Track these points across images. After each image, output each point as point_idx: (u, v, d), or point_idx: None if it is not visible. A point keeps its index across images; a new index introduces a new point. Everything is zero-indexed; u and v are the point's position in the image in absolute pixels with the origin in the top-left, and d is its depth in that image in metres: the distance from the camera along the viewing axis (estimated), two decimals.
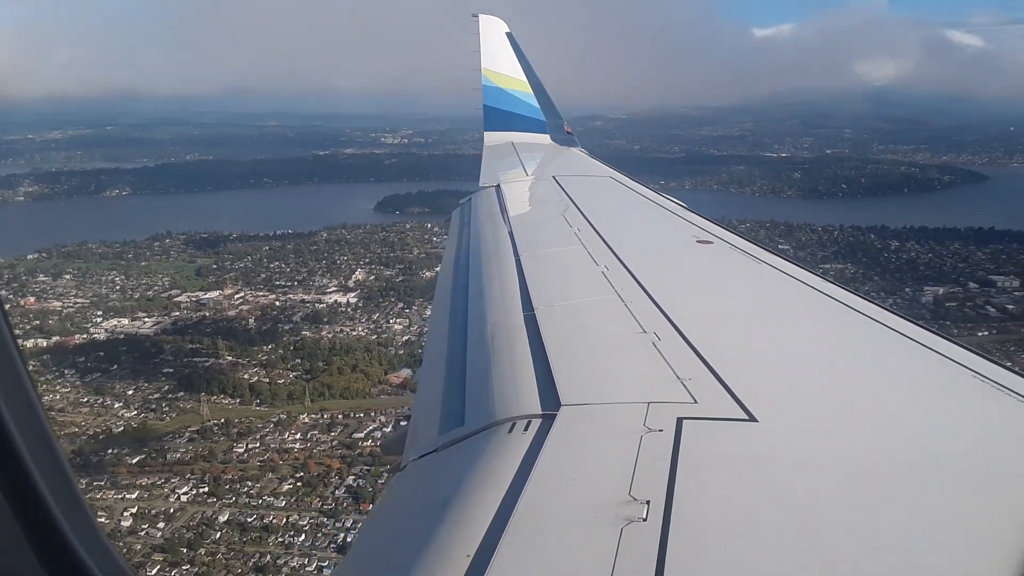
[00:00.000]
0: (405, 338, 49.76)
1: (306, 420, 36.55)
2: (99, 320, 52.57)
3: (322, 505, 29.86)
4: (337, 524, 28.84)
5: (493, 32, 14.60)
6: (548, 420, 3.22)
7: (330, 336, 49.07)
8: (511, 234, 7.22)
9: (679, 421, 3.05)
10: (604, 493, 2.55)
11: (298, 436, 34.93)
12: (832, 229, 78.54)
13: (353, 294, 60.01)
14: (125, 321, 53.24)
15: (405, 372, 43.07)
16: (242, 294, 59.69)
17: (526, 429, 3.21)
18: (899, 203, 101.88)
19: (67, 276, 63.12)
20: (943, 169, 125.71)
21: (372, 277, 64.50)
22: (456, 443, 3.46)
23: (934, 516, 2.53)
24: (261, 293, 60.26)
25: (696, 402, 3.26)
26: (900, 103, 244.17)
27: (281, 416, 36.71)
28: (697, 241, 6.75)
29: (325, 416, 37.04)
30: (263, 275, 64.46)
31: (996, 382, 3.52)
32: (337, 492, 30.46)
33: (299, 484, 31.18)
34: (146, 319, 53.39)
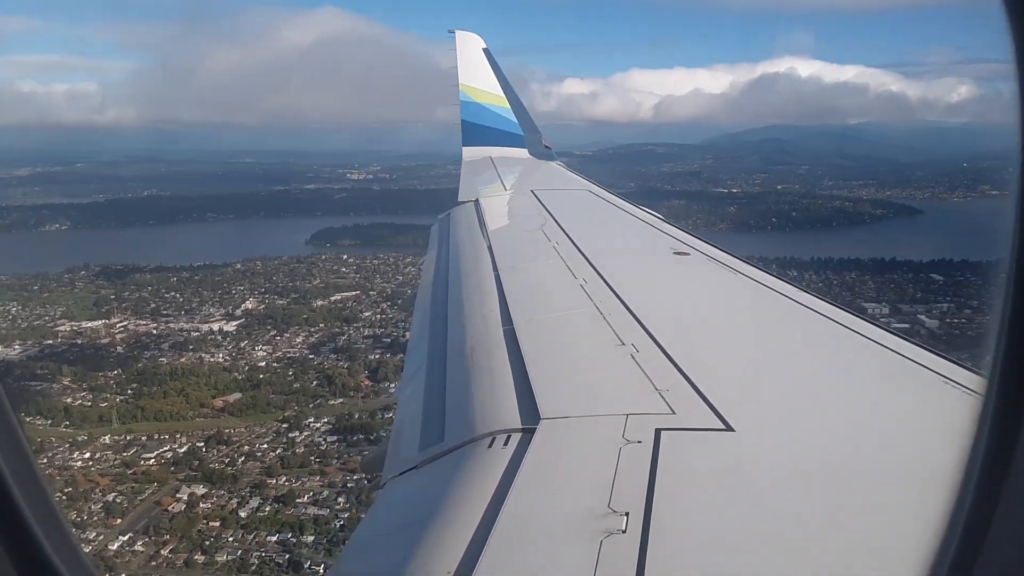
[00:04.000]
0: (262, 363, 51.30)
1: (106, 441, 37.81)
2: None
3: (75, 517, 31.02)
4: (81, 535, 29.97)
5: (470, 48, 14.71)
6: (528, 434, 3.23)
7: (182, 362, 50.51)
8: (490, 248, 7.22)
9: (657, 432, 3.06)
10: (584, 506, 2.57)
11: (87, 455, 36.19)
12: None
13: (237, 322, 61.62)
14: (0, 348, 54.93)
15: (235, 396, 44.46)
16: (125, 323, 61.31)
17: (506, 443, 3.22)
18: (821, 236, 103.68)
19: None
20: (877, 203, 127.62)
21: (262, 306, 66.16)
22: (436, 459, 3.47)
23: (911, 522, 2.51)
24: (143, 322, 61.88)
25: (674, 413, 3.28)
26: (868, 140, 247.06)
27: (82, 437, 37.98)
28: (674, 253, 6.80)
29: (128, 437, 38.28)
30: (153, 305, 66.21)
31: (971, 389, 3.52)
32: (93, 507, 31.65)
33: (62, 497, 32.35)
34: (17, 346, 55.00)
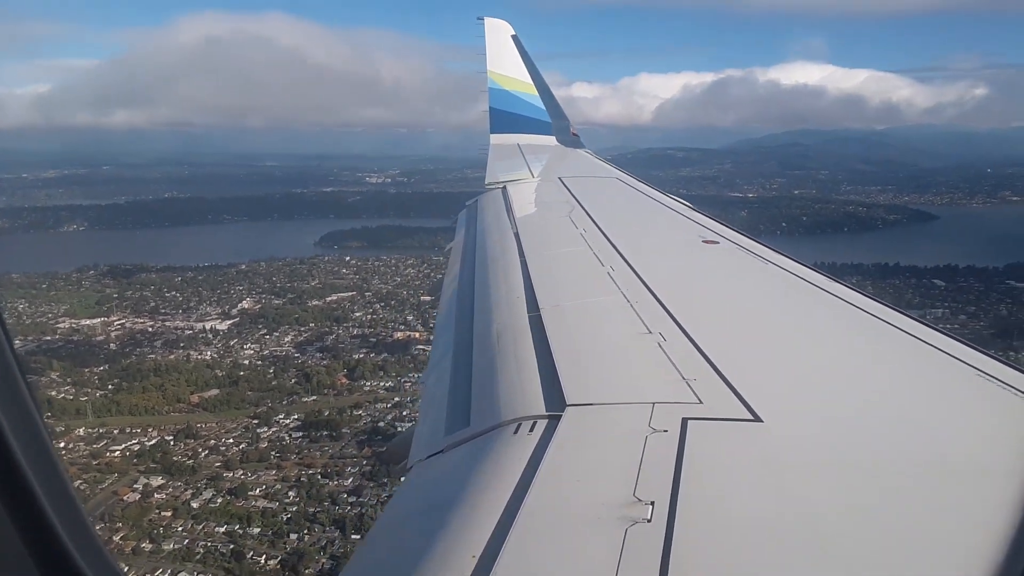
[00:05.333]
0: (246, 361, 52.48)
1: (80, 433, 39.11)
2: None
3: None
4: None
5: (499, 35, 14.67)
6: (554, 421, 3.22)
7: (170, 359, 51.86)
8: (517, 235, 7.16)
9: (684, 422, 3.04)
10: (609, 494, 2.56)
11: (60, 446, 37.41)
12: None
13: (231, 321, 63.02)
14: None
15: (212, 392, 45.63)
16: (123, 321, 63.02)
17: (531, 430, 3.21)
18: (831, 241, 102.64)
19: None
20: (892, 209, 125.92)
21: (258, 306, 67.53)
22: (462, 444, 3.48)
23: (941, 516, 2.52)
24: (141, 320, 63.55)
25: (701, 402, 3.24)
26: (893, 145, 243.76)
27: (60, 428, 39.28)
28: (703, 241, 6.68)
29: (101, 430, 39.55)
30: (153, 303, 67.93)
31: (1002, 381, 3.51)
32: None
33: None
34: (17, 341, 56.48)
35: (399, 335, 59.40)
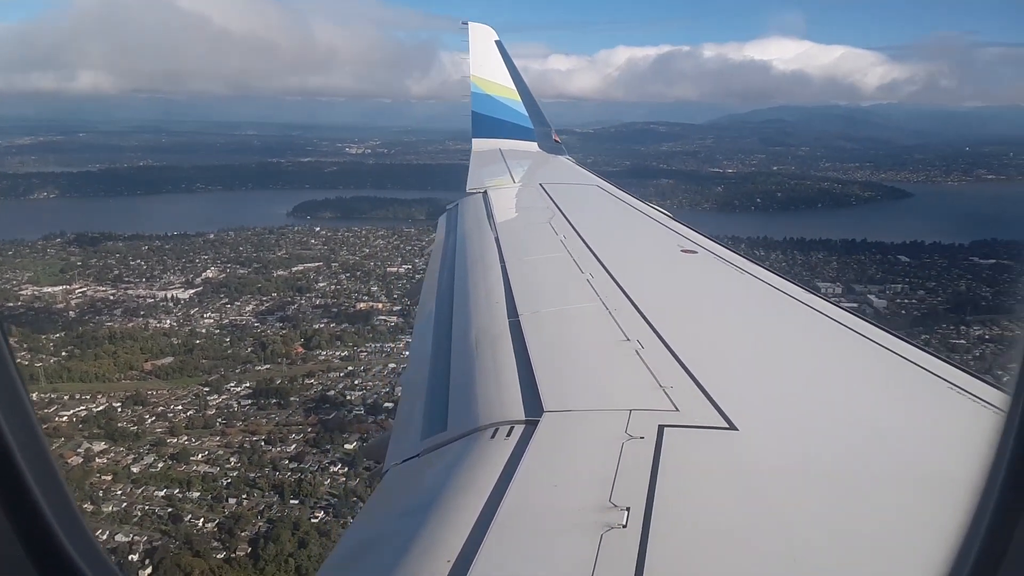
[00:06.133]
0: (202, 330, 52.59)
1: (32, 399, 39.04)
2: None
3: None
4: None
5: (482, 40, 14.73)
6: (531, 426, 3.25)
7: (130, 327, 51.88)
8: (497, 240, 7.21)
9: (660, 429, 3.07)
10: (585, 499, 2.58)
11: None
12: (717, 238, 79.87)
13: (194, 290, 62.99)
14: None
15: (166, 360, 45.79)
16: (84, 289, 62.83)
17: (509, 435, 3.23)
18: (804, 217, 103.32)
19: None
20: (867, 186, 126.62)
21: (223, 275, 67.45)
22: (438, 448, 3.49)
23: (908, 523, 2.57)
24: (103, 288, 63.38)
25: (678, 410, 3.28)
26: (875, 123, 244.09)
27: None
28: (681, 251, 6.77)
29: (52, 396, 39.69)
30: (116, 272, 67.68)
31: (969, 392, 3.59)
32: None
33: None
34: None
35: (361, 305, 59.64)
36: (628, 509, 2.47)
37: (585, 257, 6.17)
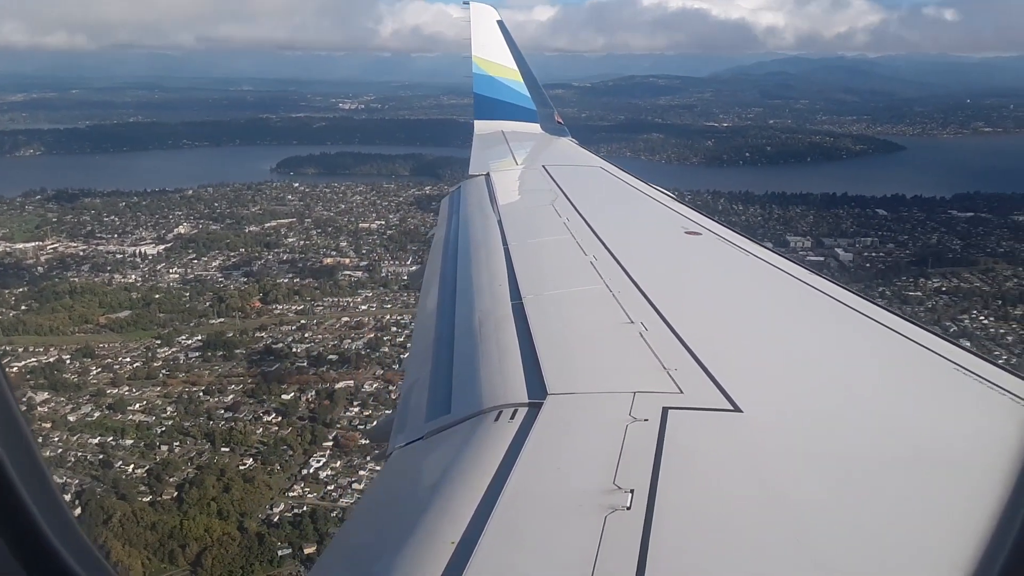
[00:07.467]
0: (164, 285, 53.31)
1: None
2: None
3: None
4: None
5: (484, 20, 14.54)
6: (535, 409, 3.26)
7: (96, 281, 52.69)
8: (500, 223, 7.21)
9: (664, 411, 3.08)
10: (589, 482, 2.59)
11: None
12: (698, 192, 79.66)
13: (164, 246, 63.61)
14: None
15: (123, 313, 46.56)
16: (56, 245, 63.55)
17: (512, 417, 3.24)
18: (791, 171, 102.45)
19: None
20: (859, 139, 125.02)
21: (194, 231, 67.94)
22: (442, 431, 3.51)
23: (919, 508, 2.58)
24: (74, 244, 64.10)
25: (682, 392, 3.29)
26: (879, 75, 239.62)
27: None
28: (686, 232, 6.74)
29: (7, 348, 40.52)
30: (90, 228, 68.30)
31: (979, 375, 3.58)
32: None
33: None
34: None
35: (328, 260, 60.08)
36: (632, 491, 2.47)
37: (589, 239, 6.15)
